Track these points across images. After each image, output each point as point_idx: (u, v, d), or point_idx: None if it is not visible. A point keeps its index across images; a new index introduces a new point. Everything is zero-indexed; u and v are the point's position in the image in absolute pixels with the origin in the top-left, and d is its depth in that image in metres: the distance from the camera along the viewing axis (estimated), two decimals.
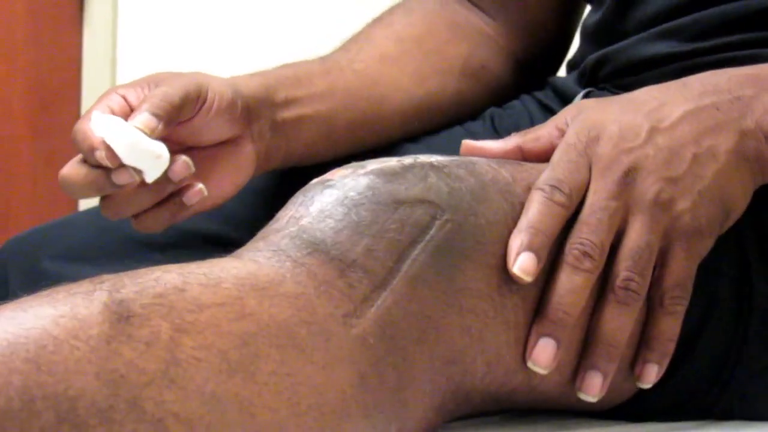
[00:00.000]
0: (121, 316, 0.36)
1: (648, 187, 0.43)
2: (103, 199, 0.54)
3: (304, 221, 0.41)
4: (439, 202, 0.42)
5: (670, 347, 0.44)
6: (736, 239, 0.47)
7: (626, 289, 0.42)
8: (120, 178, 0.50)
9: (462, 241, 0.42)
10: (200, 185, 0.54)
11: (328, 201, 0.42)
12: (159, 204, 0.54)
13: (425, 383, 0.41)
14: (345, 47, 0.69)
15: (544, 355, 0.42)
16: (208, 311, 0.37)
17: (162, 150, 0.50)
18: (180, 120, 0.54)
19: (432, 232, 0.41)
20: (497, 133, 0.67)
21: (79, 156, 0.52)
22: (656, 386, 0.46)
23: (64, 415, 0.34)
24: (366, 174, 0.43)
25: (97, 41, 1.91)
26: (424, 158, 0.44)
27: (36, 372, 0.34)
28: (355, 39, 0.70)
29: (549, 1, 0.72)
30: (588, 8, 0.69)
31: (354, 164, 0.44)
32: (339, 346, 0.39)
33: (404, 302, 0.40)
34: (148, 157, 0.50)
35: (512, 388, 0.44)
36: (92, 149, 0.50)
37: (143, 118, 0.50)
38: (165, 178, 0.51)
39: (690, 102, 0.46)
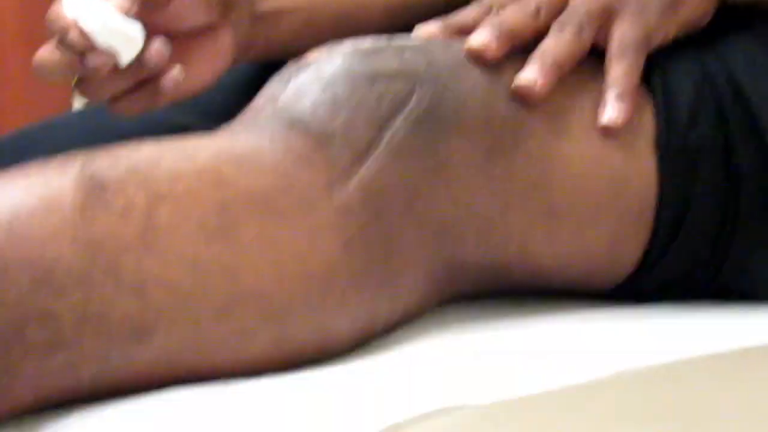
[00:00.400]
0: (94, 186, 0.36)
1: None
2: (78, 81, 0.53)
3: (280, 102, 0.42)
4: (418, 75, 0.42)
5: (629, 83, 0.45)
6: (719, 112, 0.47)
7: (562, 23, 0.45)
8: (94, 60, 0.49)
9: (443, 111, 0.42)
10: (177, 68, 0.52)
11: (304, 80, 0.42)
12: (135, 88, 0.53)
13: (415, 252, 0.41)
14: None
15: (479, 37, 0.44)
16: (184, 180, 0.37)
17: (136, 31, 0.49)
18: (156, 4, 0.52)
19: (412, 104, 0.41)
20: None
21: (54, 40, 0.52)
22: (649, 266, 0.46)
23: (40, 279, 0.34)
24: (341, 53, 0.43)
25: None
26: (399, 40, 0.44)
27: (9, 239, 0.34)
28: None
29: None
30: None
31: (328, 46, 0.43)
32: (322, 215, 0.39)
33: (388, 172, 0.40)
34: (121, 38, 0.49)
35: (507, 261, 0.44)
36: (65, 30, 0.49)
37: None
38: (141, 61, 0.50)
39: None
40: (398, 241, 0.40)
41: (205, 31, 0.57)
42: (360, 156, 0.40)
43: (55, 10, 0.50)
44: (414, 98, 0.41)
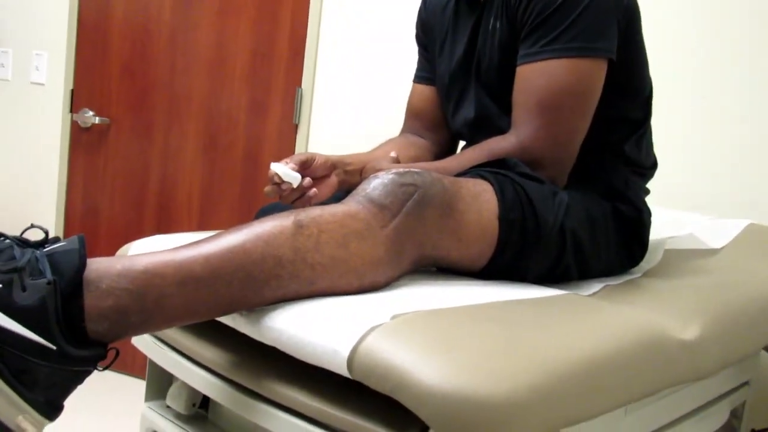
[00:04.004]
0: (299, 225, 0.98)
1: None
2: (280, 198, 1.25)
3: (367, 191, 1.04)
4: (418, 184, 1.06)
5: None
6: (519, 201, 1.18)
7: None
8: (284, 186, 1.22)
9: (427, 199, 1.05)
10: (314, 190, 1.27)
11: (376, 183, 1.05)
12: (300, 198, 1.25)
13: (411, 254, 1.05)
14: (371, 150, 1.48)
15: None
16: (331, 223, 0.99)
17: (298, 176, 1.23)
18: (306, 167, 1.27)
19: (415, 196, 1.05)
20: None
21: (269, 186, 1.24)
22: (490, 264, 1.14)
23: (275, 260, 0.94)
24: (391, 173, 1.06)
25: None
26: (414, 169, 1.09)
27: (263, 241, 0.94)
28: (373, 149, 1.50)
29: (448, 133, 1.53)
30: None
31: (386, 170, 1.07)
32: (377, 238, 1.01)
33: (403, 224, 1.03)
34: (292, 177, 1.22)
35: (440, 258, 1.10)
36: (272, 177, 1.21)
37: (290, 163, 1.23)
38: (300, 186, 1.24)
39: None
40: (406, 249, 1.03)
41: (324, 178, 1.34)
42: (394, 216, 1.02)
43: (270, 172, 1.23)
44: (416, 194, 1.05)
